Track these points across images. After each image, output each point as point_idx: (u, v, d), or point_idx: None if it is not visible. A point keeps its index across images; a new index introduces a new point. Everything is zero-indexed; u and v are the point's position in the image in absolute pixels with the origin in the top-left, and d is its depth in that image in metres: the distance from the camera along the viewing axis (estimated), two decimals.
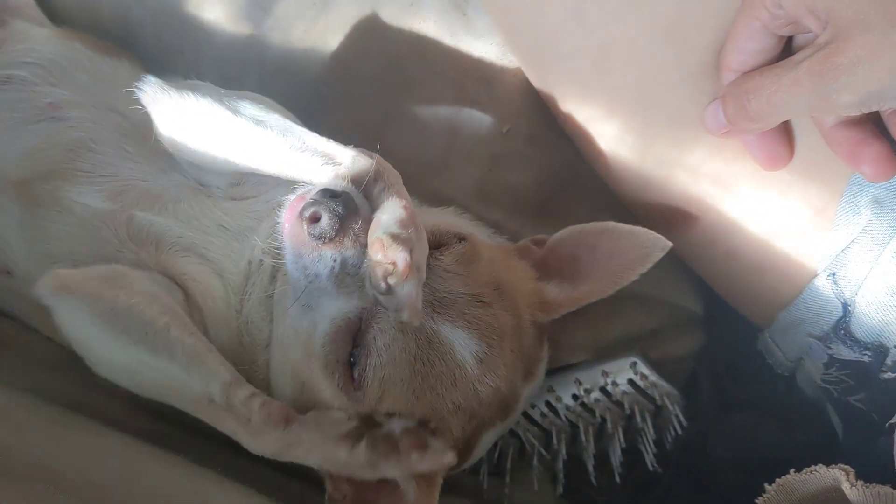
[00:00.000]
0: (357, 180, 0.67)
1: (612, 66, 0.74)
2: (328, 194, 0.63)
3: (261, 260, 0.74)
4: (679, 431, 0.83)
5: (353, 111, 0.91)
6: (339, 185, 0.65)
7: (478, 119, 0.87)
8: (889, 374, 0.72)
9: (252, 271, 0.75)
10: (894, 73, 0.56)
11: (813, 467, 0.62)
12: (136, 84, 0.73)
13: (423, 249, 0.65)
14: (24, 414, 0.69)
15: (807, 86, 0.61)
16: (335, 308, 0.66)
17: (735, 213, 0.76)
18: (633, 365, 0.86)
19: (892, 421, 0.68)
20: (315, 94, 0.91)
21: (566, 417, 0.86)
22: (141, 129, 0.78)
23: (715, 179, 0.76)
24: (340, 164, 0.69)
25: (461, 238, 0.70)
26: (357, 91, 0.90)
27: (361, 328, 0.65)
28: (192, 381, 0.64)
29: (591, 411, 0.86)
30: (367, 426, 0.61)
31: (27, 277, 0.79)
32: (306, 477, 0.74)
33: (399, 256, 0.60)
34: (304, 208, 0.63)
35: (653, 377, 0.85)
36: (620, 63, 0.74)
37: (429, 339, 0.65)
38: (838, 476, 0.60)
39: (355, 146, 0.71)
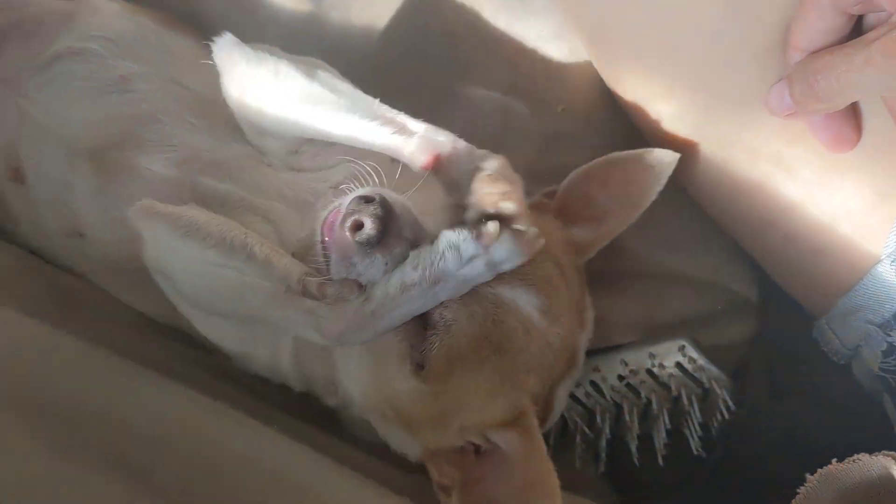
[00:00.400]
0: (432, 150, 0.69)
1: (676, 43, 0.73)
2: (363, 200, 0.64)
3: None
4: (726, 416, 0.82)
5: (408, 89, 0.91)
6: (370, 190, 0.66)
7: (533, 98, 0.88)
8: None
9: (314, 243, 0.74)
10: None
11: (856, 456, 0.61)
12: (212, 37, 0.75)
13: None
14: (98, 366, 0.73)
15: (879, 65, 0.59)
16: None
17: (795, 196, 0.74)
18: (682, 348, 0.85)
19: None
20: (371, 71, 0.92)
21: (611, 397, 0.86)
22: (203, 102, 0.81)
23: (776, 161, 0.74)
24: (413, 134, 0.70)
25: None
26: (412, 69, 0.92)
27: (425, 313, 0.66)
28: (270, 274, 0.67)
29: (637, 392, 0.86)
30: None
31: (99, 241, 0.84)
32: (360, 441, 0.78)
33: (508, 186, 0.63)
34: (344, 218, 0.64)
35: (701, 361, 0.84)
36: (685, 40, 0.72)
37: (494, 302, 0.66)
38: (886, 462, 0.58)
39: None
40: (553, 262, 0.70)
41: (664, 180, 0.75)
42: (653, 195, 0.75)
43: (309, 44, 0.94)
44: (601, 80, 0.83)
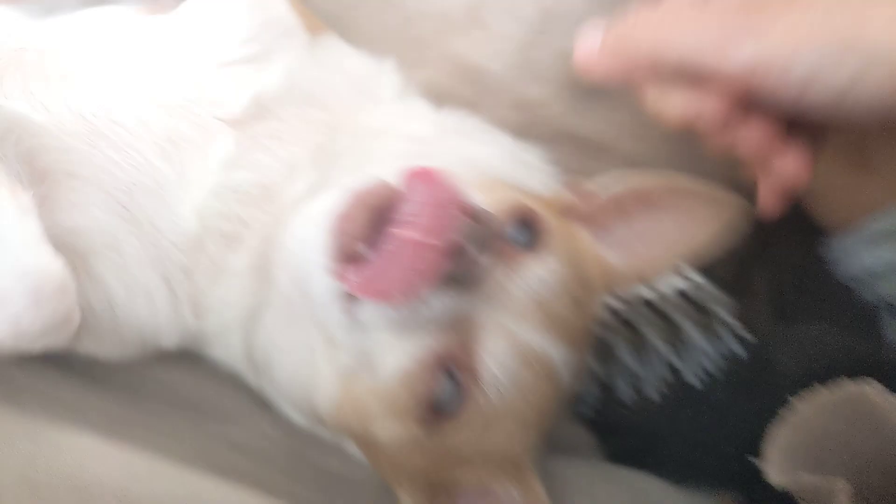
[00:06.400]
0: None
1: None
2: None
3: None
4: (735, 343, 0.75)
5: None
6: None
7: None
8: None
9: (200, 231, 0.57)
10: None
11: (838, 381, 0.58)
12: None
13: None
14: None
15: None
16: (417, 340, 0.53)
17: None
18: (679, 270, 0.76)
19: None
20: None
21: (601, 335, 0.76)
22: None
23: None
24: None
25: (528, 213, 0.58)
26: None
27: (459, 358, 0.55)
28: None
29: (630, 324, 0.76)
30: None
31: None
32: None
33: None
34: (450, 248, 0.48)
35: (702, 283, 0.76)
36: None
37: (539, 363, 0.57)
38: (861, 387, 0.57)
39: None
40: (593, 309, 0.64)
41: (728, 231, 0.65)
42: (708, 246, 0.65)
43: None
44: None
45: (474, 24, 0.70)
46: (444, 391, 0.54)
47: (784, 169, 0.61)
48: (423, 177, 0.50)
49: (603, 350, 0.77)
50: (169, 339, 0.60)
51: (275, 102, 0.58)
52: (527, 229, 0.56)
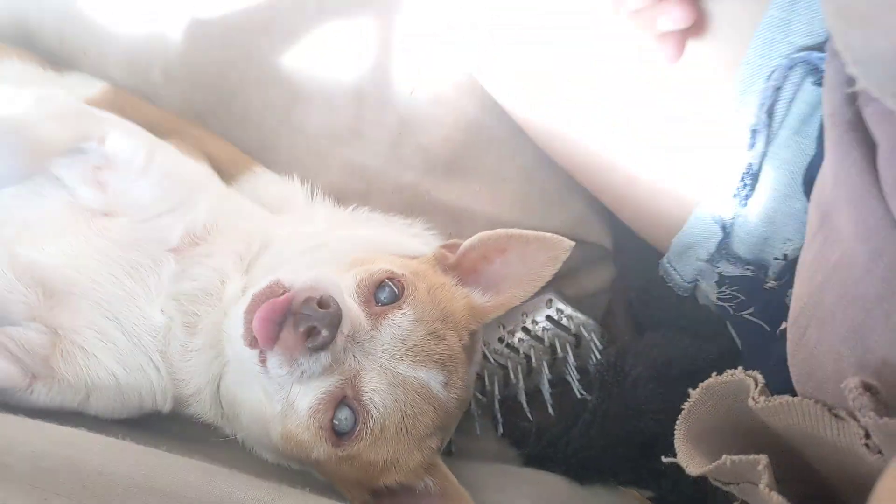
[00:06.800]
0: None
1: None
2: (316, 303, 0.67)
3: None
4: (598, 357, 0.89)
5: (260, 92, 0.94)
6: (323, 290, 0.68)
7: (383, 84, 0.92)
8: (772, 283, 0.77)
9: (168, 323, 0.77)
10: None
11: (730, 371, 0.63)
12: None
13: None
14: None
15: None
16: (317, 386, 0.71)
17: (635, 138, 0.81)
18: (549, 302, 0.92)
19: (782, 328, 0.70)
20: (221, 78, 0.93)
21: (495, 360, 0.91)
22: None
23: (617, 105, 0.80)
24: None
25: (391, 277, 0.76)
26: (264, 71, 0.93)
27: (348, 394, 0.71)
28: None
29: (517, 350, 0.91)
30: None
31: None
32: None
33: None
34: (297, 322, 0.67)
35: (568, 310, 0.91)
36: None
37: (413, 387, 0.73)
38: (748, 383, 0.61)
39: None
40: (457, 335, 0.77)
41: (559, 265, 0.83)
42: (548, 276, 0.83)
43: (154, 58, 0.94)
44: (443, 61, 0.89)
45: (355, 135, 0.92)
46: (345, 418, 0.72)
47: (672, 18, 0.70)
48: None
49: (502, 376, 0.92)
50: (163, 403, 0.80)
51: (203, 230, 0.79)
52: (393, 289, 0.75)
